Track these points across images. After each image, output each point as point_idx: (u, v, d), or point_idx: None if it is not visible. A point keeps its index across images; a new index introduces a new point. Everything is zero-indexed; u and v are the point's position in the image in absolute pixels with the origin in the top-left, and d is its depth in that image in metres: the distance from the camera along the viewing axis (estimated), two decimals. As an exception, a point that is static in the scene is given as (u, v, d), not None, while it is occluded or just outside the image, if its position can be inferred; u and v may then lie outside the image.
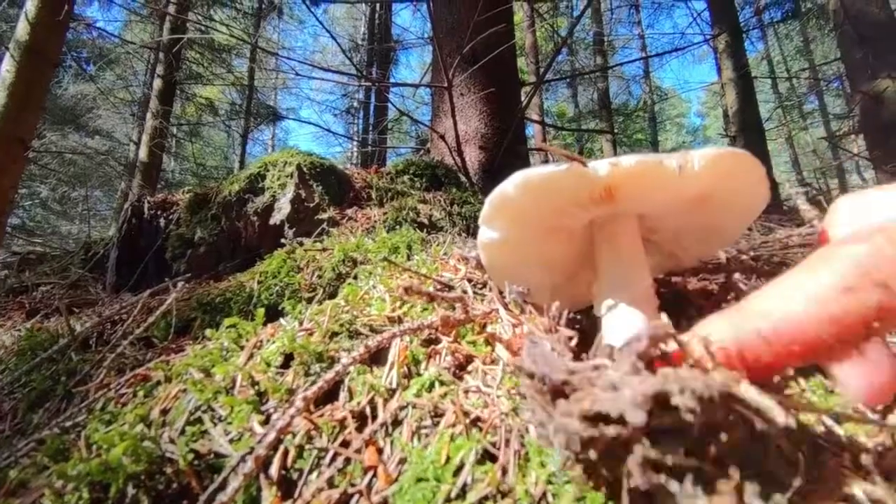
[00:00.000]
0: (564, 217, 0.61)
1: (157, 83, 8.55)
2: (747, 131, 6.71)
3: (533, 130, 10.14)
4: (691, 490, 0.30)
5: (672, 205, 0.59)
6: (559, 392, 0.36)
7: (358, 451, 0.48)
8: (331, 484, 0.46)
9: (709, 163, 0.49)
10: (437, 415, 0.49)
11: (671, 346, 0.35)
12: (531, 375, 0.37)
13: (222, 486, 0.46)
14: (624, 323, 0.54)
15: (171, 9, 7.63)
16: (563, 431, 0.33)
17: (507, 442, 0.43)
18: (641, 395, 0.31)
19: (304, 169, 1.80)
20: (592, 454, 0.32)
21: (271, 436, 0.47)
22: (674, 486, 0.30)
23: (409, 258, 1.06)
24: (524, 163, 3.27)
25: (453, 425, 0.46)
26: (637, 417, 0.30)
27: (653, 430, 0.31)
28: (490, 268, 0.70)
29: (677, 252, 0.72)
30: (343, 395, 0.56)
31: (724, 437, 0.30)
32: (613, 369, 0.34)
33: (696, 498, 0.29)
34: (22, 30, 3.83)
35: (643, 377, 0.32)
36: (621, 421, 0.31)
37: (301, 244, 1.31)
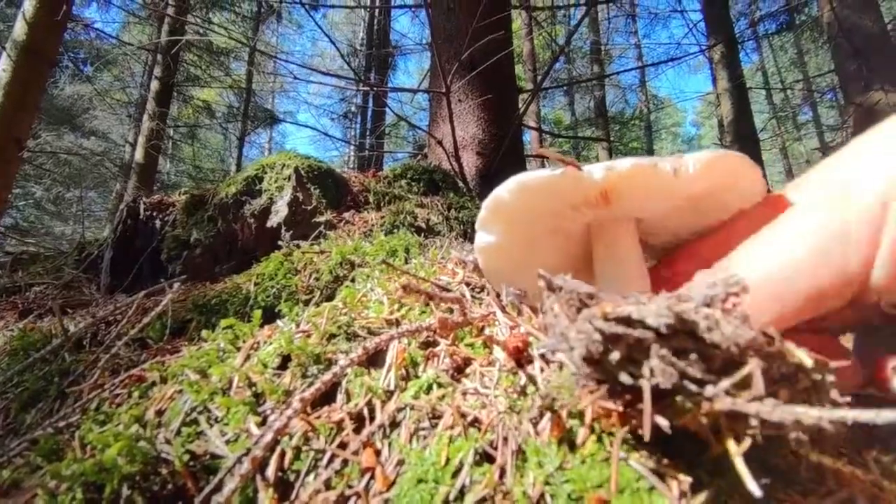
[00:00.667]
0: (561, 220, 0.61)
1: (155, 85, 8.55)
2: (742, 141, 6.78)
3: (530, 137, 10.19)
4: (713, 390, 0.31)
5: (668, 208, 0.59)
6: (585, 304, 0.37)
7: (355, 452, 0.47)
8: (328, 486, 0.46)
9: (704, 166, 0.50)
10: (436, 416, 0.49)
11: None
12: (559, 288, 0.39)
13: (218, 488, 0.46)
14: None
15: (170, 11, 7.64)
16: (586, 333, 0.34)
17: (505, 441, 0.43)
18: (667, 308, 0.32)
19: (302, 172, 1.80)
20: (615, 356, 0.33)
21: (268, 437, 0.47)
22: (694, 387, 0.31)
23: (406, 261, 1.06)
24: (521, 169, 3.28)
25: (451, 427, 0.46)
26: (658, 321, 0.32)
27: (676, 349, 0.32)
28: (487, 271, 0.70)
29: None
30: (341, 396, 0.56)
31: (745, 369, 0.32)
32: (646, 298, 0.36)
33: (718, 389, 0.31)
34: (19, 29, 3.82)
35: (674, 300, 0.34)
36: (643, 325, 0.32)
37: (298, 247, 1.31)
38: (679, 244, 0.70)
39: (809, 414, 0.29)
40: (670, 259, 0.64)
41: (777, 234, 0.47)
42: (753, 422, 0.30)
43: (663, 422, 0.33)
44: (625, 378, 0.34)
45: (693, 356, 0.31)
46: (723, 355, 0.31)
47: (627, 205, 0.57)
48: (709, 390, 0.31)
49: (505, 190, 0.55)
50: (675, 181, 0.51)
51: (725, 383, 0.30)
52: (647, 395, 0.32)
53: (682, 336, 0.31)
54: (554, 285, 0.39)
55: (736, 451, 0.32)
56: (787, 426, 0.29)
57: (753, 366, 0.30)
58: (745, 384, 0.30)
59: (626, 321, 0.33)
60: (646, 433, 0.33)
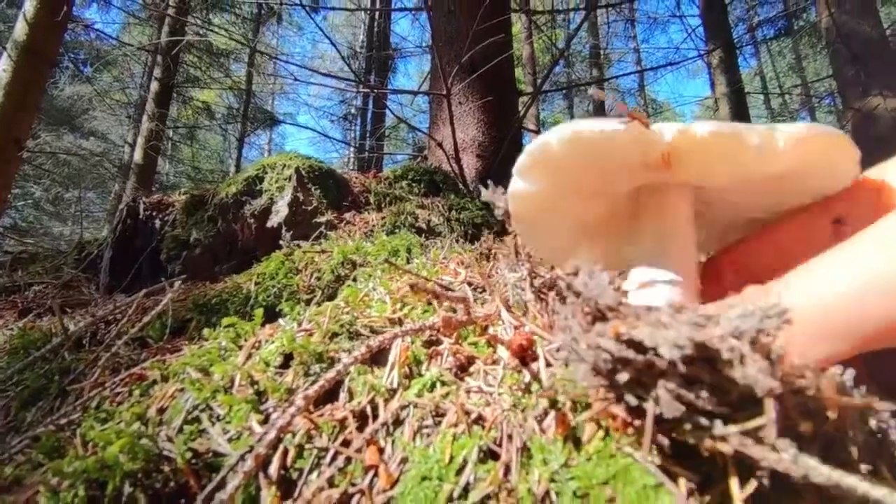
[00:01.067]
0: (610, 180, 0.54)
1: (154, 86, 8.55)
2: (741, 145, 6.79)
3: (529, 140, 10.22)
4: (721, 428, 0.30)
5: (738, 182, 0.51)
6: (601, 316, 0.35)
7: (359, 450, 0.47)
8: (331, 483, 0.45)
9: (796, 143, 0.42)
10: (439, 414, 0.49)
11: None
12: (578, 293, 0.37)
13: (221, 485, 0.46)
14: (653, 300, 0.48)
15: (170, 12, 7.64)
16: (595, 349, 0.33)
17: (510, 438, 0.43)
18: (687, 339, 0.30)
19: (303, 172, 1.80)
20: (622, 377, 0.32)
21: (271, 435, 0.47)
22: (703, 420, 0.30)
23: (408, 261, 1.06)
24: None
25: (455, 424, 0.46)
26: (672, 353, 0.30)
27: (688, 378, 0.30)
28: (516, 218, 0.62)
29: (729, 231, 0.65)
30: (343, 394, 0.55)
31: (760, 419, 0.30)
32: (669, 316, 0.33)
33: (726, 431, 0.30)
34: (20, 30, 3.82)
35: (699, 324, 0.31)
36: (655, 353, 0.31)
37: (299, 247, 1.31)
38: (737, 220, 0.62)
39: (820, 472, 0.28)
40: (723, 251, 0.57)
41: (858, 261, 0.38)
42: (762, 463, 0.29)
43: (665, 441, 0.33)
44: (630, 399, 0.33)
45: (705, 390, 0.30)
46: (740, 390, 0.30)
47: (691, 172, 0.50)
48: (717, 428, 0.30)
49: (556, 138, 0.47)
50: (757, 157, 0.43)
51: (734, 428, 0.29)
52: (649, 421, 0.32)
53: (698, 364, 0.30)
54: (574, 287, 0.37)
55: (738, 495, 0.31)
56: (796, 478, 0.28)
57: (768, 416, 0.29)
58: (759, 426, 0.29)
59: (638, 346, 0.32)
60: (644, 450, 0.33)
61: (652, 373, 0.32)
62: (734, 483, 0.32)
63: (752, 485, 0.31)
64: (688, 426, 0.31)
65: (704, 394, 0.30)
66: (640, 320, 0.33)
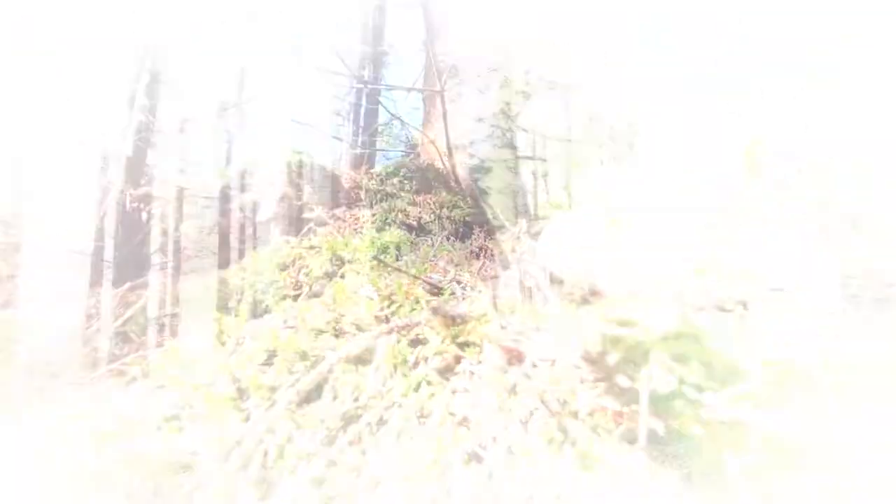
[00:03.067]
0: None
1: (146, 77, 8.43)
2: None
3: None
4: (713, 398, 0.30)
5: None
6: (586, 301, 0.36)
7: (341, 451, 0.46)
8: (312, 484, 0.45)
9: None
10: (424, 415, 0.48)
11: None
12: (562, 282, 0.38)
13: (200, 486, 0.45)
14: None
15: (163, 2, 7.53)
16: (585, 332, 0.33)
17: (494, 440, 0.42)
18: (673, 313, 0.31)
19: (294, 167, 1.78)
20: (613, 357, 0.32)
21: (252, 434, 0.46)
22: (693, 393, 0.30)
23: (397, 258, 1.05)
24: (514, 170, 3.29)
25: (440, 426, 0.45)
26: (660, 326, 0.31)
27: (677, 354, 0.31)
28: None
29: None
30: (327, 394, 0.55)
31: (749, 382, 0.30)
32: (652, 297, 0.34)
33: (718, 399, 0.30)
34: (7, 16, 3.73)
35: (682, 302, 0.32)
36: (645, 329, 0.32)
37: (288, 242, 1.29)
38: None
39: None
40: None
41: None
42: (755, 430, 0.29)
43: (659, 424, 0.33)
44: (622, 380, 0.33)
45: (695, 362, 0.31)
46: (724, 364, 0.30)
47: None
48: (708, 398, 0.30)
49: None
50: None
51: (726, 394, 0.30)
52: (643, 401, 0.32)
53: (685, 340, 0.31)
54: (556, 277, 0.38)
55: (734, 465, 0.31)
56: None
57: (754, 382, 0.30)
58: (747, 395, 0.30)
59: (627, 324, 0.32)
60: (640, 437, 0.32)
61: (642, 350, 0.32)
62: (730, 456, 0.32)
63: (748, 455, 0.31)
64: (681, 402, 0.32)
65: (695, 365, 0.31)
66: (623, 302, 0.33)
